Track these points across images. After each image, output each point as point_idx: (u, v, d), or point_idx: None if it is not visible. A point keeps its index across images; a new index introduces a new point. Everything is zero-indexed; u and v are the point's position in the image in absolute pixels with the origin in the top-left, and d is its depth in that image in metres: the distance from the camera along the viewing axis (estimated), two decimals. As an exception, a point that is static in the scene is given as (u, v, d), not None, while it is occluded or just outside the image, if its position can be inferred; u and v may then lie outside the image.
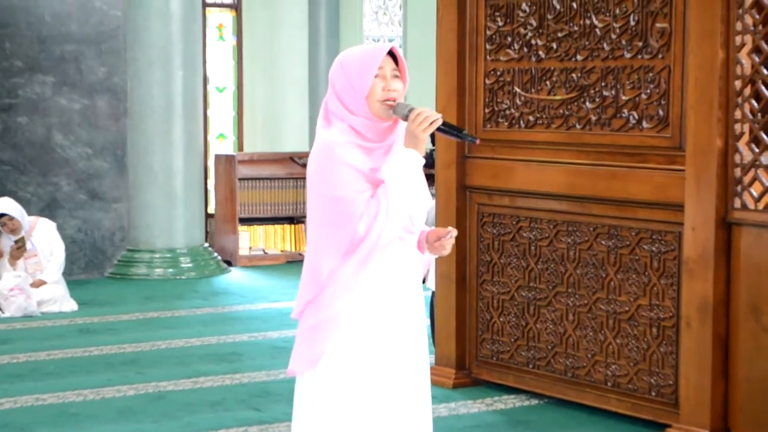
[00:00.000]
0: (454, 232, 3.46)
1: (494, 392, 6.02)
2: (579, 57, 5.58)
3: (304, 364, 3.38)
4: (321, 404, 3.36)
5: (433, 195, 5.68)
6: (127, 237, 10.36)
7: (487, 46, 5.99)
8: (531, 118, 5.81)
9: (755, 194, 4.93)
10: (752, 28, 4.91)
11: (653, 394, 5.32)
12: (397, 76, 3.39)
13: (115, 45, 10.37)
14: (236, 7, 12.70)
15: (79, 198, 10.32)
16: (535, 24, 5.77)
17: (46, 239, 8.72)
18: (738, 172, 4.96)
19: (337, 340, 3.35)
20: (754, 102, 4.94)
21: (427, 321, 3.64)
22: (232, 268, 10.70)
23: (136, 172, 10.13)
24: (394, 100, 3.36)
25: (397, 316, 3.40)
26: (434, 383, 4.23)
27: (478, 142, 3.42)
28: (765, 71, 4.90)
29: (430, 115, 3.32)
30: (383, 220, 3.26)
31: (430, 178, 4.77)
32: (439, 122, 3.33)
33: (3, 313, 8.33)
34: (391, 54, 3.39)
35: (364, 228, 3.26)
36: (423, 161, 3.34)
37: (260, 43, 12.87)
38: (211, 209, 11.63)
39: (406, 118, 3.34)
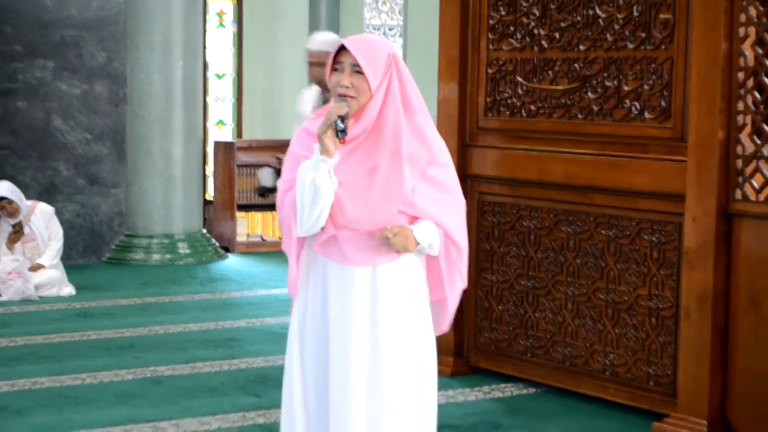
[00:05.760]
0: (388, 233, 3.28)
1: (492, 380, 6.03)
2: (582, 47, 5.58)
3: None
4: None
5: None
6: (125, 222, 10.36)
7: (490, 36, 5.99)
8: (533, 107, 5.81)
9: (756, 186, 4.93)
10: (756, 20, 4.90)
11: (651, 383, 5.33)
12: (358, 72, 3.25)
13: (115, 30, 10.35)
14: (237, -6, 12.70)
15: (77, 183, 10.31)
16: (538, 14, 5.77)
17: (44, 224, 8.71)
18: (740, 163, 4.96)
19: (294, 316, 3.48)
20: (756, 93, 4.94)
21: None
22: (229, 255, 10.71)
23: (135, 158, 10.12)
24: (345, 96, 3.26)
25: (342, 304, 3.38)
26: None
27: (341, 143, 3.24)
28: (768, 63, 4.91)
29: (329, 115, 3.22)
30: (290, 212, 3.32)
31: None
32: (332, 120, 3.21)
33: (1, 296, 8.33)
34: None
35: (280, 216, 3.40)
36: (323, 159, 3.22)
37: (260, 30, 12.85)
38: (209, 195, 11.63)
39: None
